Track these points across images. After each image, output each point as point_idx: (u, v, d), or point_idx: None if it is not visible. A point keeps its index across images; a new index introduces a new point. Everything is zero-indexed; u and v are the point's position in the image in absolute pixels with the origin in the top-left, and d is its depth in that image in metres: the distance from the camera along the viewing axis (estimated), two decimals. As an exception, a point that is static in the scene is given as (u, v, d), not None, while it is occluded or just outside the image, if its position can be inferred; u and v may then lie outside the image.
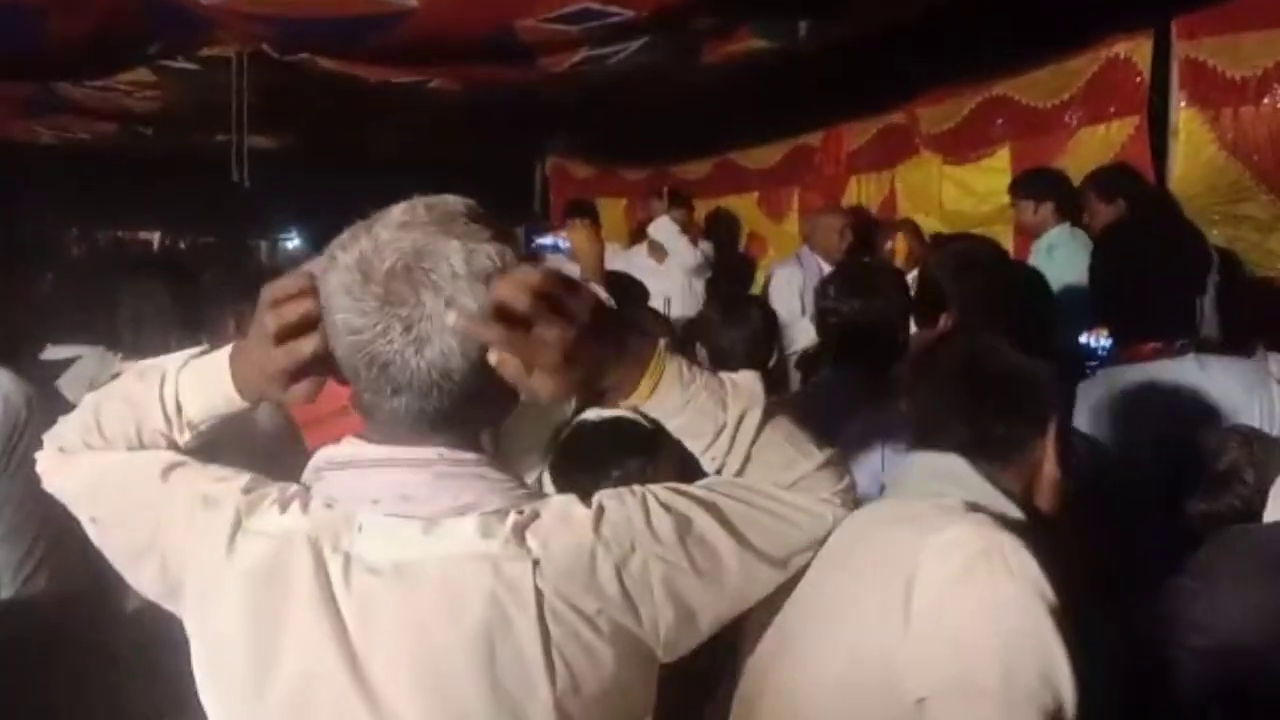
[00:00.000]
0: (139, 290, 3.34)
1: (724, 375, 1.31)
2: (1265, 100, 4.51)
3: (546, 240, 3.33)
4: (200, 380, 1.31)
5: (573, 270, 3.39)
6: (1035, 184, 4.79)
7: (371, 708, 1.14)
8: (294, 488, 1.24)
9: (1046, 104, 5.26)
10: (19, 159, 8.21)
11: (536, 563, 1.13)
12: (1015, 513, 1.41)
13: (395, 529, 1.17)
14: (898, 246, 5.21)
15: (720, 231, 7.15)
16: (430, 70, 5.04)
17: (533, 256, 3.30)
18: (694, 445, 1.29)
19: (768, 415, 1.28)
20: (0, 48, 4.82)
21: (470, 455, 1.20)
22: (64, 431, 1.39)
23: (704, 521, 1.22)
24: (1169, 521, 1.97)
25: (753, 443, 1.27)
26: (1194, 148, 4.74)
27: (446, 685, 1.13)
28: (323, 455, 1.24)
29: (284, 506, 1.21)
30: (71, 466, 1.37)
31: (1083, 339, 3.30)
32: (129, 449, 1.33)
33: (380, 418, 1.19)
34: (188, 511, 1.24)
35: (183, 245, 15.86)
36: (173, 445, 1.33)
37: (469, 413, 1.20)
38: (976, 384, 1.50)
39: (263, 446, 2.82)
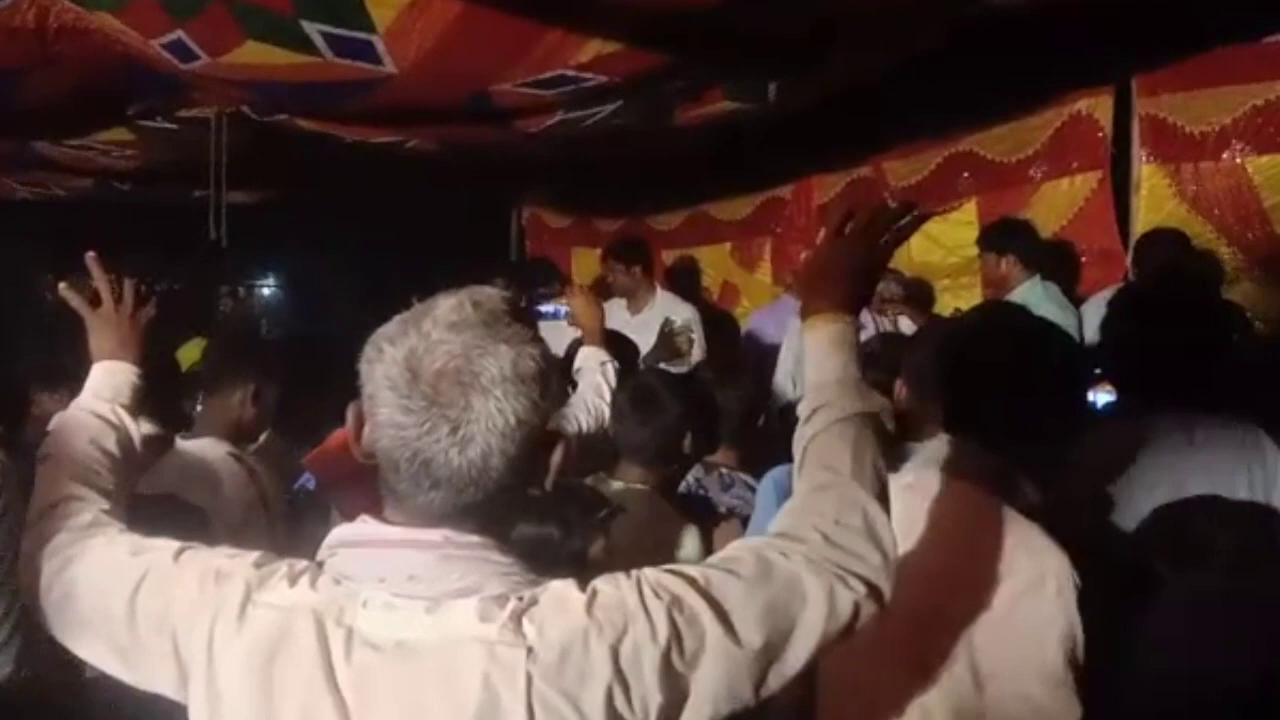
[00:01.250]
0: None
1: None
2: (1224, 155, 4.65)
3: (548, 308, 3.37)
4: (103, 381, 1.82)
5: (572, 334, 3.43)
6: (997, 237, 4.82)
7: None
8: (304, 564, 1.28)
9: (1011, 159, 5.39)
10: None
11: (530, 649, 1.16)
12: None
13: (399, 608, 1.20)
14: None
15: (681, 281, 7.21)
16: (407, 131, 5.10)
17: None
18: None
19: (850, 424, 1.44)
20: (-20, 108, 4.86)
21: (476, 539, 1.22)
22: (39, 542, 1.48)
23: (696, 605, 1.22)
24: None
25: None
26: (1156, 201, 4.87)
27: None
28: (337, 534, 1.27)
29: (293, 581, 1.24)
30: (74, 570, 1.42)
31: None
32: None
33: (410, 507, 1.23)
34: (199, 586, 1.28)
35: (157, 289, 15.87)
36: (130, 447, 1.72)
37: (494, 505, 1.23)
38: None
39: (239, 517, 2.86)
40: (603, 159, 5.99)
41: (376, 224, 9.56)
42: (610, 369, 3.06)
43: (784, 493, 2.45)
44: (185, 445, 2.97)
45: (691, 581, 1.24)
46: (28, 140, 5.87)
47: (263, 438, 3.21)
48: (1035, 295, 4.59)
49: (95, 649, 1.38)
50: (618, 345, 3.88)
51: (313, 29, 3.68)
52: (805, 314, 1.54)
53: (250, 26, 3.71)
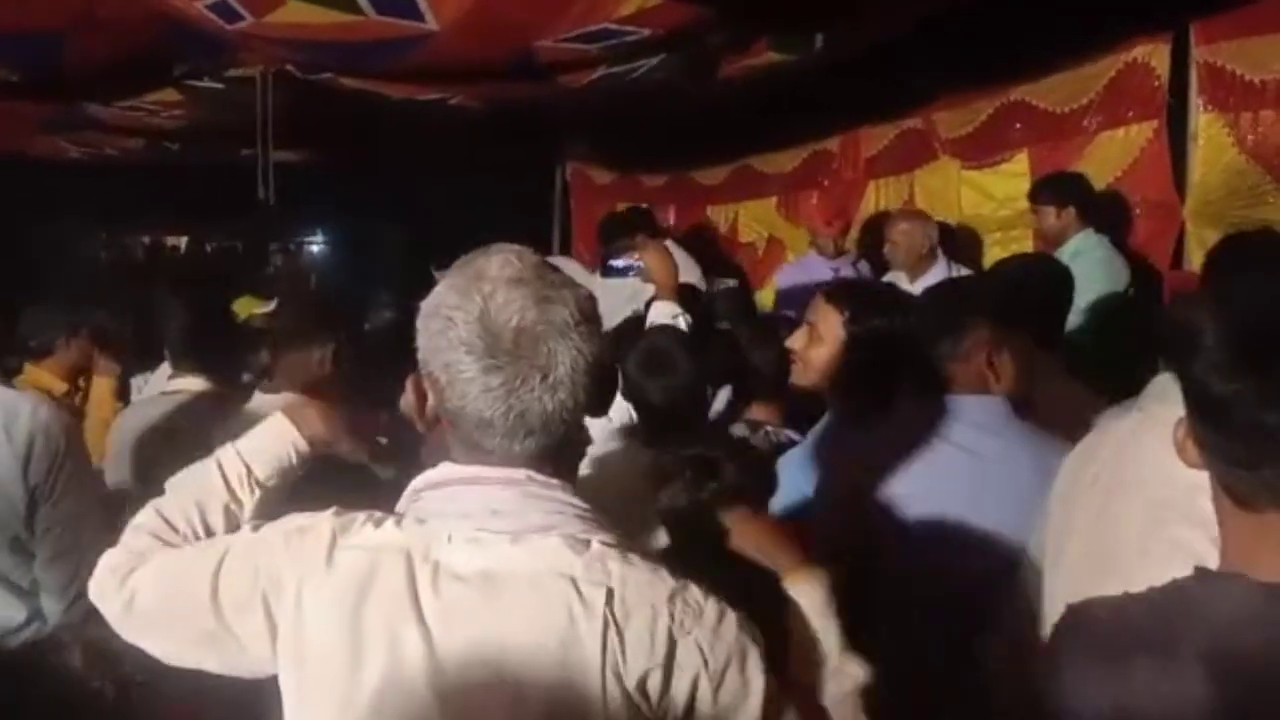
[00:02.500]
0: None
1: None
2: (1284, 104, 4.50)
3: (619, 262, 3.35)
4: (263, 442, 1.54)
5: (646, 291, 3.42)
6: (1057, 189, 4.74)
7: (444, 707, 1.22)
8: (384, 513, 1.33)
9: (1065, 108, 5.26)
10: (47, 171, 8.33)
11: (610, 591, 1.22)
12: None
13: (484, 541, 1.26)
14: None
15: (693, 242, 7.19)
16: (451, 88, 5.09)
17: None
18: None
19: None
20: (23, 69, 4.91)
21: (556, 481, 1.29)
22: (117, 553, 1.50)
23: (754, 669, 1.28)
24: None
25: None
26: (1213, 151, 4.73)
27: (519, 690, 1.21)
28: (421, 479, 1.33)
29: (378, 524, 1.30)
30: (142, 576, 1.45)
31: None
32: (195, 538, 1.47)
33: (503, 457, 1.28)
34: (285, 545, 1.33)
35: (209, 248, 16.07)
36: (235, 520, 1.47)
37: (568, 443, 1.32)
38: None
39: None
40: (647, 112, 5.95)
41: (421, 181, 9.61)
42: (683, 321, 3.08)
43: (798, 476, 2.44)
44: (266, 399, 3.01)
45: (765, 674, 1.28)
46: (78, 101, 5.94)
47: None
48: (1089, 247, 4.55)
49: (178, 640, 1.41)
50: (692, 299, 3.88)
51: (355, -13, 3.69)
52: (784, 575, 1.57)
53: (293, -15, 3.72)
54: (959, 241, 5.61)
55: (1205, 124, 4.74)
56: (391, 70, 4.63)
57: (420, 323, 1.29)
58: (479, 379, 1.24)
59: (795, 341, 2.65)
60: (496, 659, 1.21)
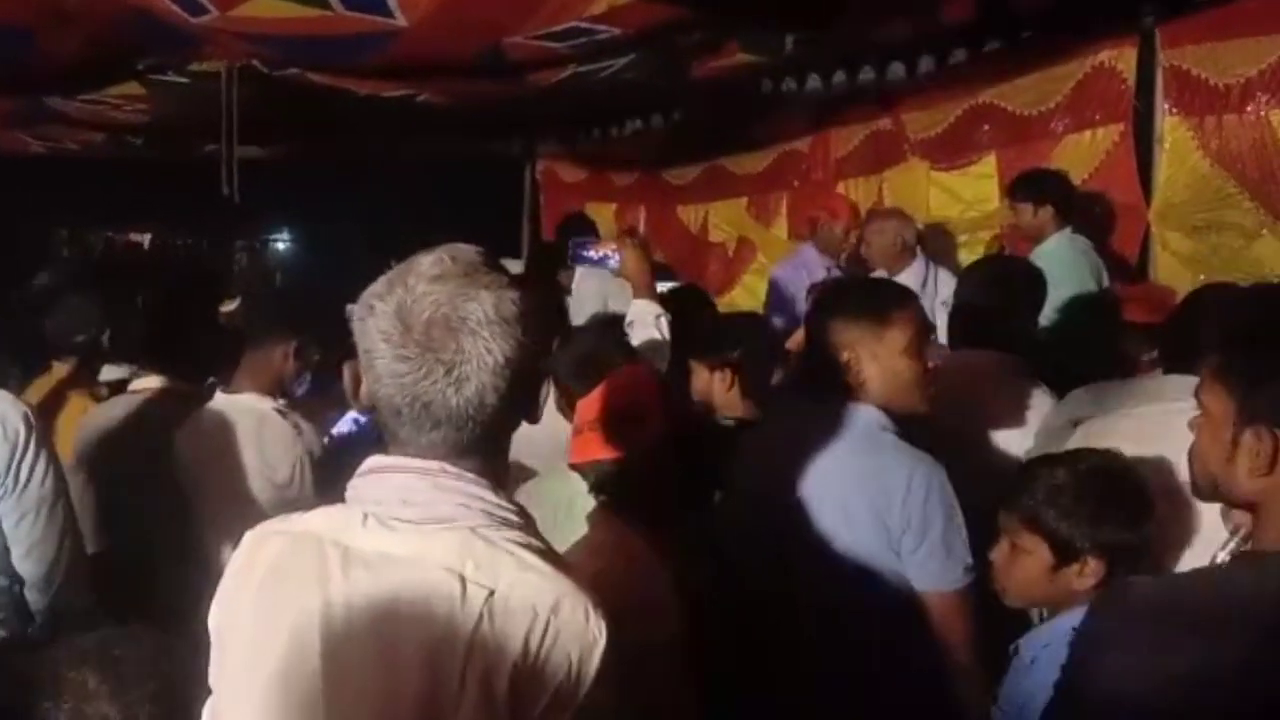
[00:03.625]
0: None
1: None
2: (1249, 108, 4.55)
3: (592, 254, 3.33)
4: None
5: (621, 288, 3.41)
6: (1035, 186, 4.69)
7: (329, 685, 1.28)
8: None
9: (1032, 111, 5.30)
10: (7, 166, 8.21)
11: (492, 593, 1.25)
12: None
13: (391, 528, 1.30)
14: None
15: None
16: (419, 85, 5.06)
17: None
18: None
19: None
20: (-9, 65, 4.84)
21: (470, 475, 1.31)
22: None
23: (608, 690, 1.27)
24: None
25: None
26: (1179, 155, 4.78)
27: (393, 674, 1.26)
28: (364, 463, 1.37)
29: (313, 511, 1.39)
30: None
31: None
32: None
33: (414, 449, 1.32)
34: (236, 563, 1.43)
35: (178, 243, 15.94)
36: None
37: (490, 441, 1.34)
38: None
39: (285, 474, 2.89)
40: (618, 111, 5.94)
41: (390, 178, 9.56)
42: (664, 322, 3.07)
43: None
44: (227, 399, 2.98)
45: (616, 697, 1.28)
46: (40, 95, 5.85)
47: (300, 391, 3.21)
48: (1065, 247, 4.54)
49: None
50: (687, 298, 3.88)
51: (323, -18, 3.65)
52: None
53: (260, -21, 3.68)
54: (927, 242, 5.62)
55: (1171, 127, 4.78)
56: (359, 66, 4.60)
57: (354, 310, 1.34)
58: (390, 366, 1.29)
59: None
60: (378, 642, 1.26)
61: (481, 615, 1.24)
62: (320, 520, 1.36)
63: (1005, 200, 5.32)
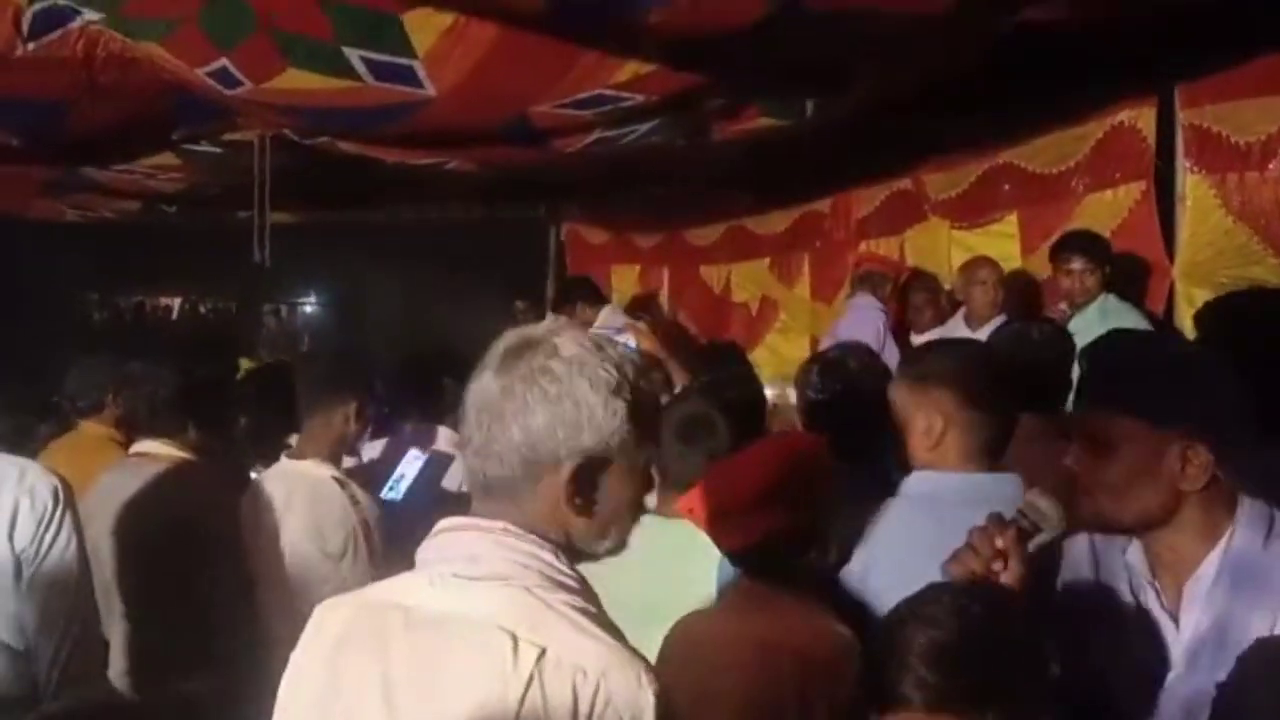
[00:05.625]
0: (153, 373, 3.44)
1: None
2: (1270, 165, 4.57)
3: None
4: None
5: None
6: (1093, 248, 4.60)
7: None
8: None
9: (1052, 170, 5.33)
10: (42, 233, 8.37)
11: (544, 651, 1.26)
12: None
13: (452, 585, 1.33)
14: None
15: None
16: (447, 153, 5.14)
17: None
18: None
19: None
20: (26, 135, 4.95)
21: (533, 536, 1.34)
22: None
23: None
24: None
25: None
26: (1201, 213, 4.79)
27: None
28: (436, 526, 1.41)
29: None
30: None
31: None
32: None
33: (481, 511, 1.39)
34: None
35: (203, 310, 16.11)
36: None
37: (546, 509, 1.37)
38: None
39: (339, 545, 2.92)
40: (641, 174, 6.01)
41: (417, 242, 9.67)
42: None
43: None
44: (287, 465, 3.02)
45: None
46: (75, 165, 5.98)
47: (348, 462, 3.25)
48: (1113, 306, 4.50)
49: None
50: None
51: (354, 55, 3.74)
52: None
53: (293, 54, 3.77)
54: (952, 301, 5.64)
55: (1193, 185, 4.80)
56: (388, 135, 4.68)
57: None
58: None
59: None
60: (433, 699, 1.28)
61: (533, 676, 1.25)
62: (387, 586, 1.39)
63: (1026, 259, 5.36)
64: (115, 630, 3.18)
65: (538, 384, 1.32)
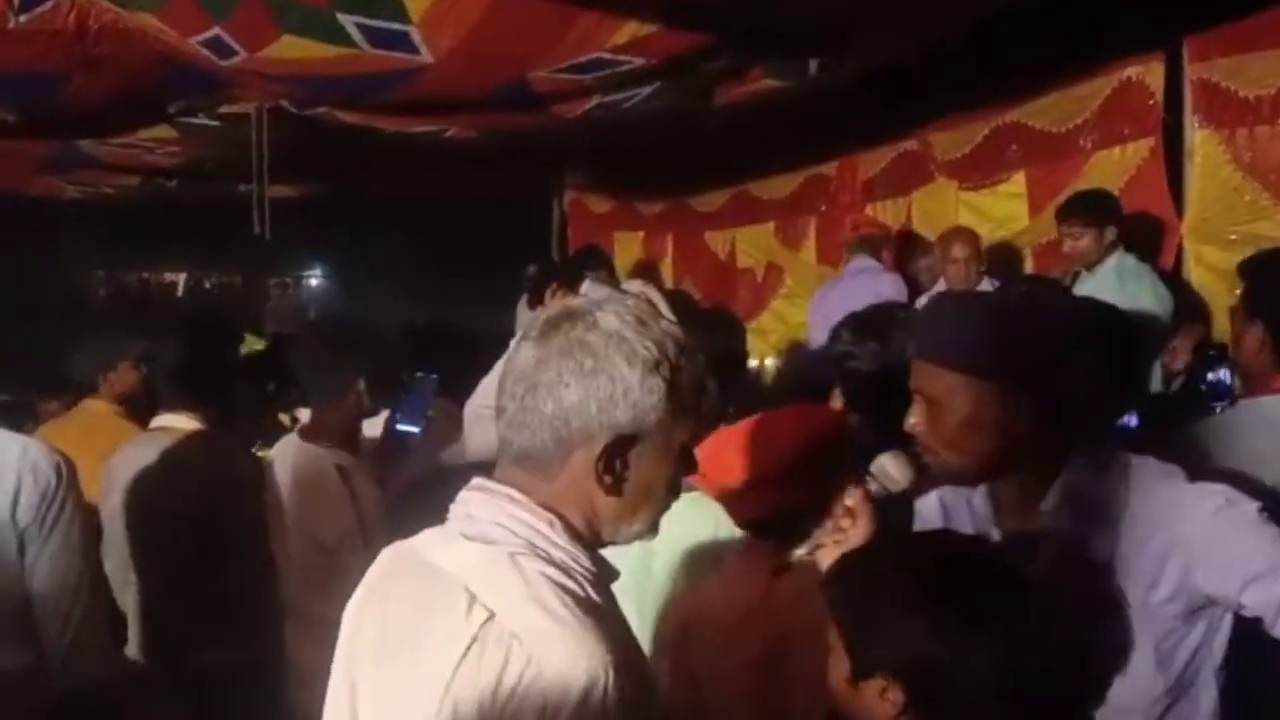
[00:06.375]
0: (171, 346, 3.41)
1: None
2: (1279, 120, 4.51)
3: None
4: None
5: None
6: (1093, 209, 4.55)
7: (358, 673, 1.39)
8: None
9: (1060, 128, 5.27)
10: (44, 211, 8.35)
11: (492, 615, 1.26)
12: None
13: (454, 541, 1.36)
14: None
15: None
16: (446, 120, 5.10)
17: None
18: None
19: None
20: (22, 110, 4.93)
21: (538, 505, 1.33)
22: None
23: None
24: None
25: None
26: (1210, 168, 4.74)
27: (400, 668, 1.32)
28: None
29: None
30: None
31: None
32: None
33: (500, 475, 1.42)
34: None
35: (208, 285, 16.13)
36: None
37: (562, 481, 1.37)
38: None
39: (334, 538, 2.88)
40: (643, 140, 5.96)
41: (419, 213, 9.63)
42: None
43: None
44: (295, 447, 2.97)
45: None
46: (73, 140, 5.95)
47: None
48: (1130, 267, 4.45)
49: None
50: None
51: (348, 21, 3.70)
52: None
53: (287, 21, 3.73)
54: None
55: (1201, 141, 4.75)
56: (386, 103, 4.64)
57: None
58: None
59: None
60: (405, 645, 1.32)
61: (475, 638, 1.25)
62: (422, 536, 1.41)
63: (1034, 219, 5.31)
64: (132, 603, 3.18)
65: (573, 356, 1.30)
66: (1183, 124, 4.81)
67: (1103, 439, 1.75)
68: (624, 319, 1.32)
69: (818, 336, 5.07)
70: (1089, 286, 4.40)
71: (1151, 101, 4.89)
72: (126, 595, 3.19)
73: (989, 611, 1.39)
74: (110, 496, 3.23)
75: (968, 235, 5.11)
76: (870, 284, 5.21)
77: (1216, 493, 1.64)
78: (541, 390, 1.31)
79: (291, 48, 3.88)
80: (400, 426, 3.08)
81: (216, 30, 3.84)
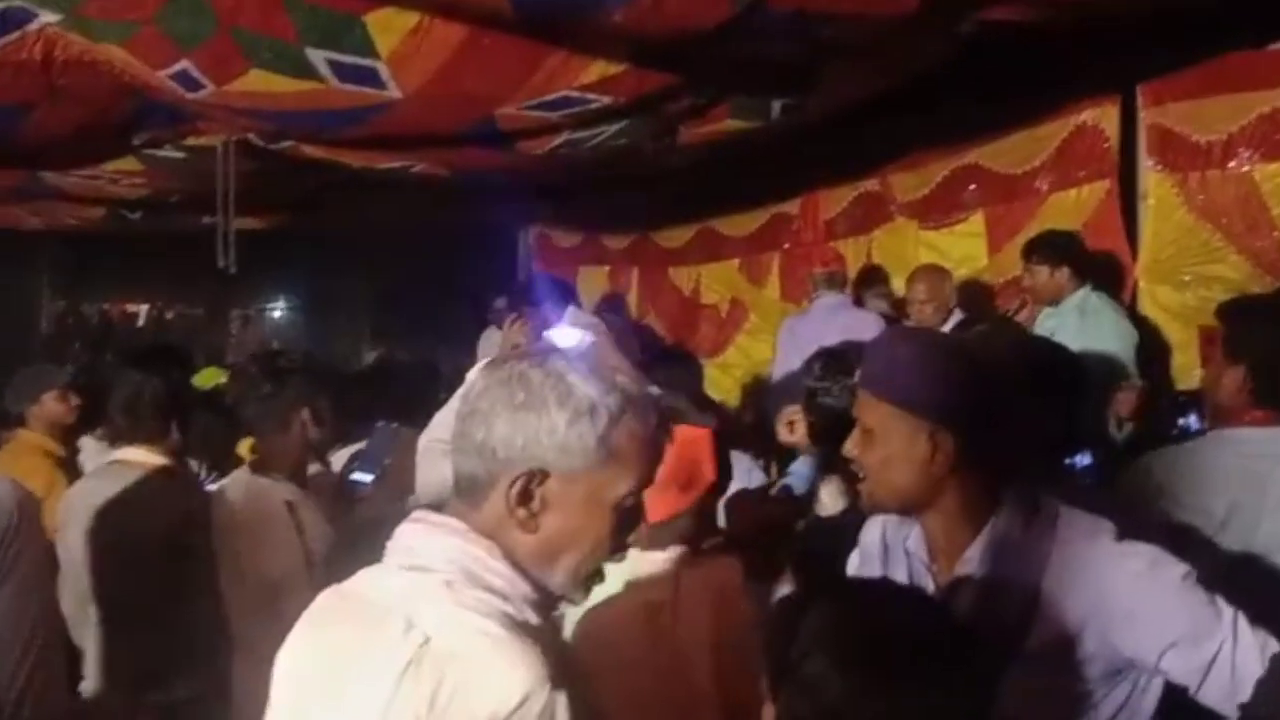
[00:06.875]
0: (131, 378, 3.38)
1: None
2: (1231, 163, 4.63)
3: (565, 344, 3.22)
4: None
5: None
6: (1051, 248, 4.65)
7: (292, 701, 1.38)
8: None
9: (1018, 170, 5.38)
10: (5, 241, 8.27)
11: (428, 639, 1.26)
12: None
13: (389, 572, 1.37)
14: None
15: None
16: (413, 155, 5.11)
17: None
18: None
19: None
20: (-15, 142, 4.89)
21: (478, 537, 1.34)
22: None
23: None
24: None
25: None
26: (1164, 211, 4.84)
27: (339, 707, 1.31)
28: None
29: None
30: None
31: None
32: None
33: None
34: None
35: (170, 316, 15.98)
36: None
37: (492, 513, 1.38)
38: None
39: (277, 573, 2.86)
40: (609, 176, 6.01)
41: (385, 246, 9.63)
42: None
43: None
44: (246, 481, 2.96)
45: None
46: (36, 170, 5.91)
47: (313, 469, 3.18)
48: (1093, 304, 4.53)
49: None
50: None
51: (317, 56, 3.71)
52: None
53: (255, 55, 3.73)
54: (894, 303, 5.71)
55: (1155, 184, 4.86)
56: (353, 137, 4.65)
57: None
58: None
59: None
60: (338, 677, 1.31)
61: (411, 661, 1.25)
62: (357, 574, 1.41)
63: (993, 258, 5.39)
64: (91, 640, 3.14)
65: (509, 389, 1.34)
66: (1136, 167, 4.92)
67: (1037, 486, 1.74)
68: (575, 364, 1.35)
69: (786, 366, 5.13)
70: (1052, 323, 4.49)
71: (1106, 145, 5.00)
72: (84, 632, 3.15)
73: (921, 674, 1.30)
74: (68, 532, 3.20)
75: (933, 276, 5.13)
76: (848, 321, 5.20)
77: (1140, 554, 1.63)
78: (477, 418, 1.35)
79: (260, 81, 3.89)
80: (353, 475, 3.09)
81: (184, 63, 3.83)
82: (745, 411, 5.81)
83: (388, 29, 3.54)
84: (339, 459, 3.43)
